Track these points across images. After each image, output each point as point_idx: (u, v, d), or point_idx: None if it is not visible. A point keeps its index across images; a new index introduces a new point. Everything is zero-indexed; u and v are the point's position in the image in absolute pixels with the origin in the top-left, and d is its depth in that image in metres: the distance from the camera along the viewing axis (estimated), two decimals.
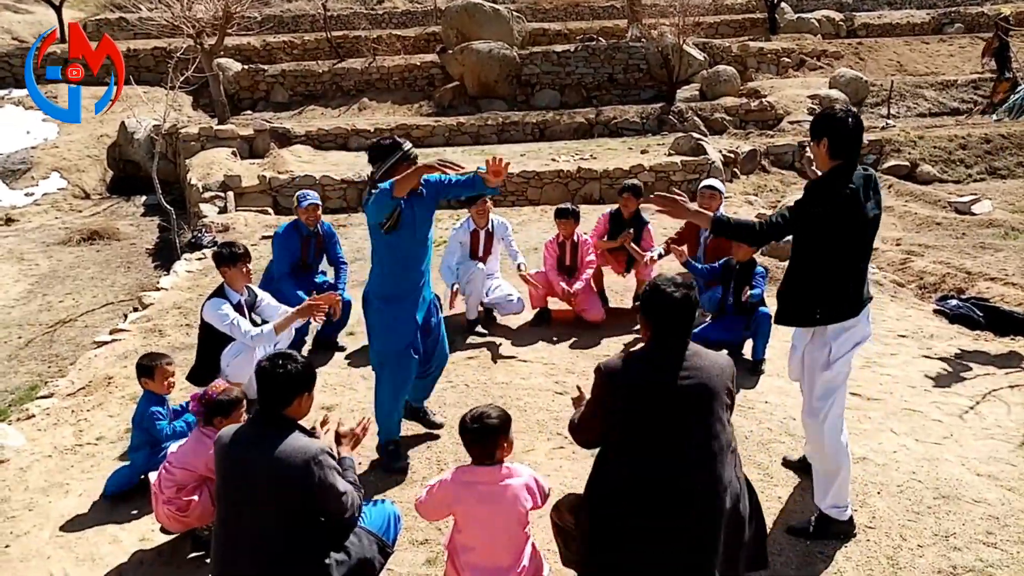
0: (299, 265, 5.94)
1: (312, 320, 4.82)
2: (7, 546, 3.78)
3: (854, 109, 3.34)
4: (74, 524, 3.93)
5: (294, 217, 6.03)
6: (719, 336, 5.47)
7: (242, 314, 4.79)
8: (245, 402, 3.69)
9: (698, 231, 6.12)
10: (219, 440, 2.88)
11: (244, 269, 4.87)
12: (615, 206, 6.63)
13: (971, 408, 4.86)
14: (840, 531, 3.54)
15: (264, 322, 4.82)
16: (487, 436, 2.87)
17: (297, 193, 6.10)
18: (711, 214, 3.46)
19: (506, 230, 6.47)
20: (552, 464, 4.29)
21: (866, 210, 3.32)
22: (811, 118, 3.89)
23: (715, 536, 2.66)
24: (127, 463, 4.25)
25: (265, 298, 5.10)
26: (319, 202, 6.03)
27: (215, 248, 5.09)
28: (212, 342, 4.77)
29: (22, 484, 4.31)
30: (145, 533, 3.82)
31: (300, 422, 2.90)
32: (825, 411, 3.43)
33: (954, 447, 4.39)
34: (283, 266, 5.85)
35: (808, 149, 3.47)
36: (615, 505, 2.69)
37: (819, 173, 3.45)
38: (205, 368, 4.81)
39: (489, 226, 6.33)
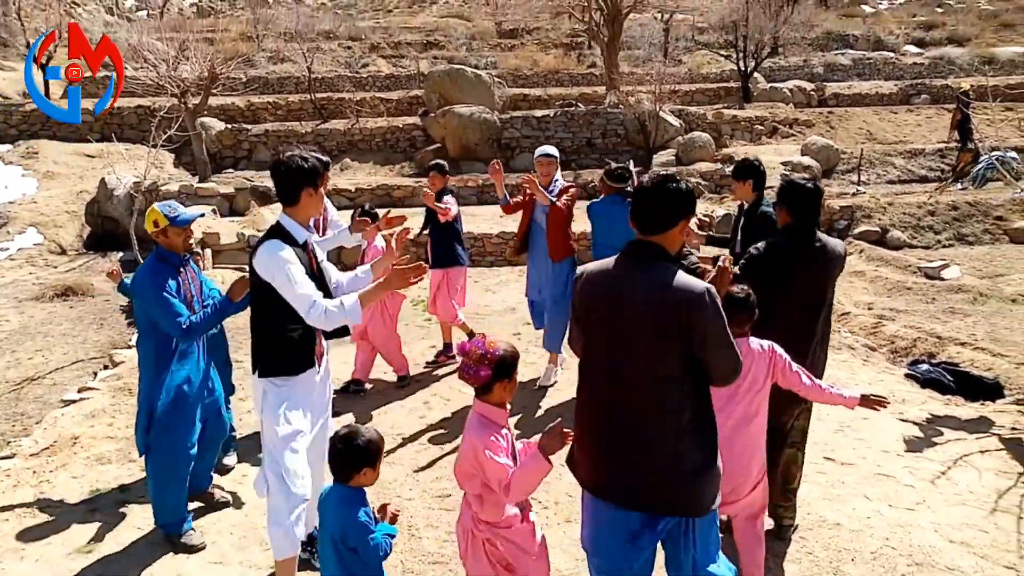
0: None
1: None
2: None
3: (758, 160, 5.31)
4: None
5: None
6: None
7: (313, 259, 3.63)
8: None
9: (534, 201, 6.21)
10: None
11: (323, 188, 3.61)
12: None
13: (943, 473, 4.87)
14: None
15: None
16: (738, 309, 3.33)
17: (166, 208, 4.12)
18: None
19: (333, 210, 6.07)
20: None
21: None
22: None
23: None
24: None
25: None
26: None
27: (286, 160, 3.47)
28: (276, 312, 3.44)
29: None
30: None
31: None
32: None
33: (927, 513, 4.39)
34: (183, 308, 4.04)
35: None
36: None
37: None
38: (283, 350, 3.50)
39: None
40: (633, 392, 2.63)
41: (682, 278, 2.56)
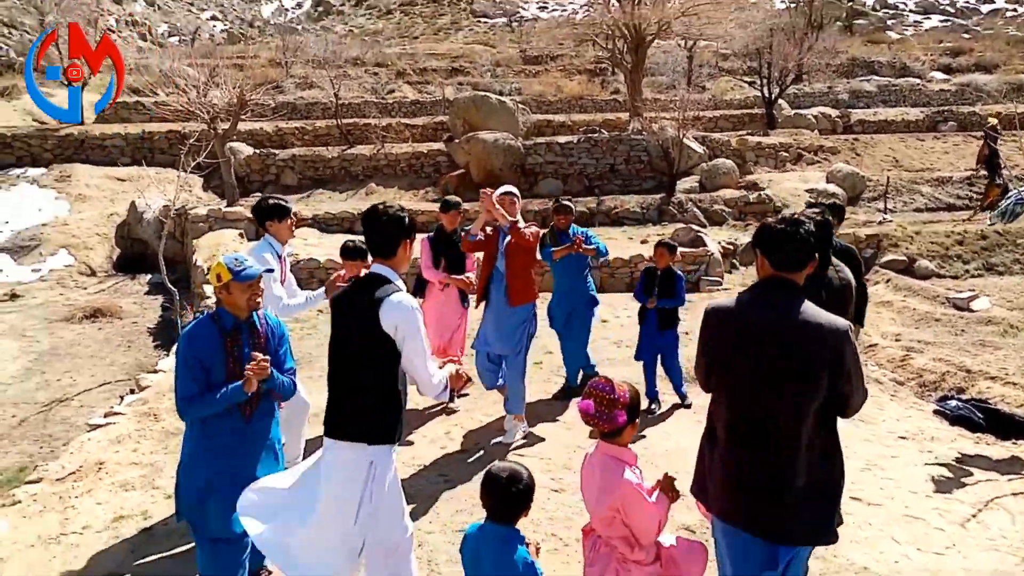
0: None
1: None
2: None
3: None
4: None
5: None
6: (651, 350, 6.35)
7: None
8: None
9: (498, 237, 5.86)
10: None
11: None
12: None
13: (974, 516, 4.77)
14: None
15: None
16: None
17: (232, 261, 3.58)
18: None
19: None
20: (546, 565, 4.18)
21: None
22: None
23: None
24: None
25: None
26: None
27: (385, 211, 3.36)
28: None
29: None
30: None
31: None
32: None
33: (957, 558, 4.28)
34: (192, 385, 3.51)
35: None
36: None
37: None
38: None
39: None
40: (778, 424, 2.72)
41: (825, 314, 2.71)
